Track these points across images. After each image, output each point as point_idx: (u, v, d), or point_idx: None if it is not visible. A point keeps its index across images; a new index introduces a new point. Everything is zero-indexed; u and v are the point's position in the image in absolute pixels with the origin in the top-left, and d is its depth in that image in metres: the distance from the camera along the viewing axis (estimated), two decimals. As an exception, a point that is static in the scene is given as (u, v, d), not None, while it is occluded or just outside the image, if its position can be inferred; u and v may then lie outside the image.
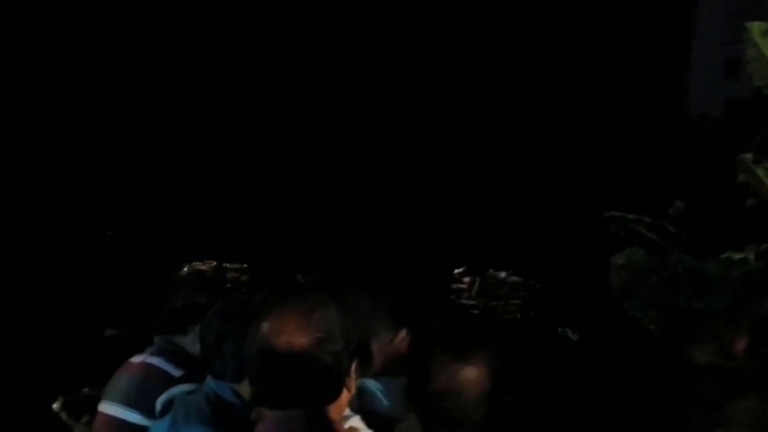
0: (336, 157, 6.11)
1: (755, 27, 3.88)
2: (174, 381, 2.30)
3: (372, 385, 2.00)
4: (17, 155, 5.84)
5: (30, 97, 5.95)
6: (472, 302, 5.29)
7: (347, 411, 1.84)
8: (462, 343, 1.62)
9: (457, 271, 5.41)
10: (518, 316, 5.16)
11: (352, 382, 1.63)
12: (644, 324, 3.94)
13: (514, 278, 5.30)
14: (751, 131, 4.04)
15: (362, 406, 1.93)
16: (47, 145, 6.01)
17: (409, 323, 2.07)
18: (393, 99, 6.52)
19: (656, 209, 5.05)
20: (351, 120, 6.46)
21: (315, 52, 6.62)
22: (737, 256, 3.80)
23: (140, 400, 2.35)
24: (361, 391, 1.96)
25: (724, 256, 3.85)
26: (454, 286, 5.38)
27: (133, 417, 2.38)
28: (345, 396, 1.61)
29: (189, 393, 2.12)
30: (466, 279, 5.36)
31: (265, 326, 1.56)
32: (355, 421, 1.83)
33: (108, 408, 2.45)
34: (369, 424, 1.83)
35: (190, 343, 2.45)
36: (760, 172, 3.80)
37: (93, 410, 2.62)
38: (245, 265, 5.16)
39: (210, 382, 2.06)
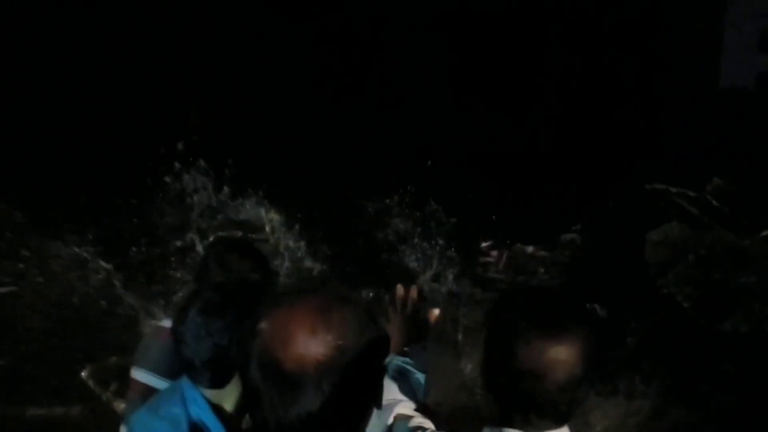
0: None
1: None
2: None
3: (402, 363, 1.87)
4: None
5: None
6: (499, 276, 5.21)
7: (396, 394, 1.75)
8: (553, 318, 1.37)
9: (483, 244, 5.32)
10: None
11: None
12: (678, 300, 3.87)
13: (543, 253, 5.21)
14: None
15: (404, 392, 1.78)
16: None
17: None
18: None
19: (685, 184, 4.97)
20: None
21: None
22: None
23: (174, 369, 2.31)
24: (398, 375, 1.86)
25: (764, 234, 3.76)
26: (481, 259, 5.29)
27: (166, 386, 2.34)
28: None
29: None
30: (493, 252, 5.27)
31: (265, 332, 1.13)
32: (404, 407, 1.72)
33: (142, 376, 2.40)
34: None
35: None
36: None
37: (121, 378, 2.58)
38: (272, 234, 5.12)
39: (185, 389, 1.68)
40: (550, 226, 5.16)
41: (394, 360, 1.87)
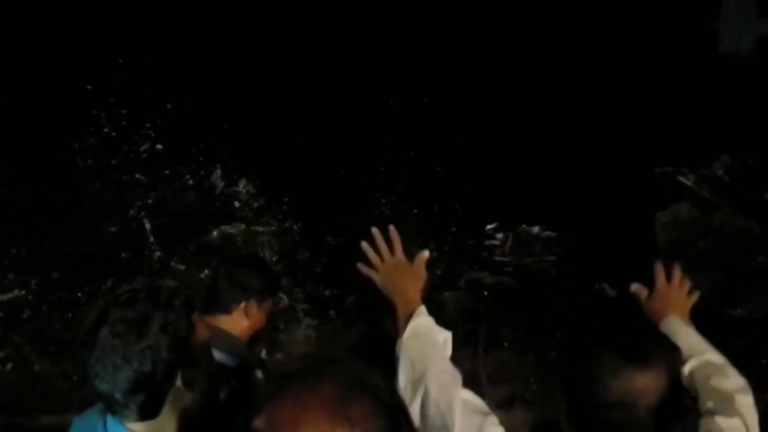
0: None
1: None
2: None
3: None
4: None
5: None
6: (505, 259, 5.17)
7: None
8: (635, 343, 1.32)
9: (489, 226, 5.27)
10: (553, 272, 5.03)
11: None
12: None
13: (548, 233, 5.16)
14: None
15: None
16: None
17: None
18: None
19: (690, 160, 4.89)
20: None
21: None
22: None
23: None
24: None
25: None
26: (487, 242, 5.25)
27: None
28: None
29: None
30: (499, 235, 5.23)
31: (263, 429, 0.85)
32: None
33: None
34: None
35: (234, 322, 2.33)
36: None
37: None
38: (274, 229, 5.05)
39: (110, 427, 1.34)
40: (556, 207, 5.11)
41: None
